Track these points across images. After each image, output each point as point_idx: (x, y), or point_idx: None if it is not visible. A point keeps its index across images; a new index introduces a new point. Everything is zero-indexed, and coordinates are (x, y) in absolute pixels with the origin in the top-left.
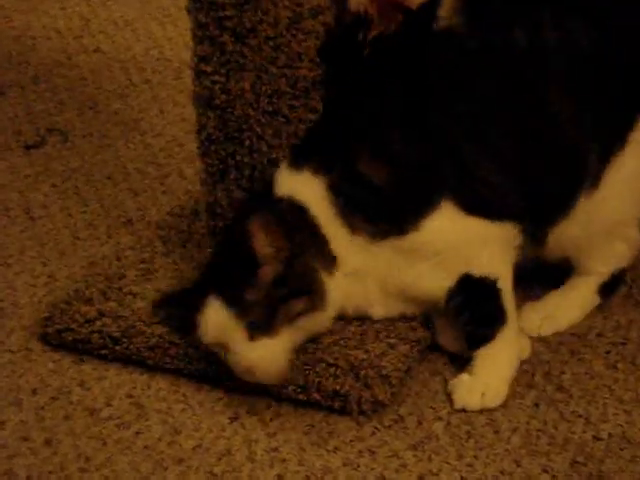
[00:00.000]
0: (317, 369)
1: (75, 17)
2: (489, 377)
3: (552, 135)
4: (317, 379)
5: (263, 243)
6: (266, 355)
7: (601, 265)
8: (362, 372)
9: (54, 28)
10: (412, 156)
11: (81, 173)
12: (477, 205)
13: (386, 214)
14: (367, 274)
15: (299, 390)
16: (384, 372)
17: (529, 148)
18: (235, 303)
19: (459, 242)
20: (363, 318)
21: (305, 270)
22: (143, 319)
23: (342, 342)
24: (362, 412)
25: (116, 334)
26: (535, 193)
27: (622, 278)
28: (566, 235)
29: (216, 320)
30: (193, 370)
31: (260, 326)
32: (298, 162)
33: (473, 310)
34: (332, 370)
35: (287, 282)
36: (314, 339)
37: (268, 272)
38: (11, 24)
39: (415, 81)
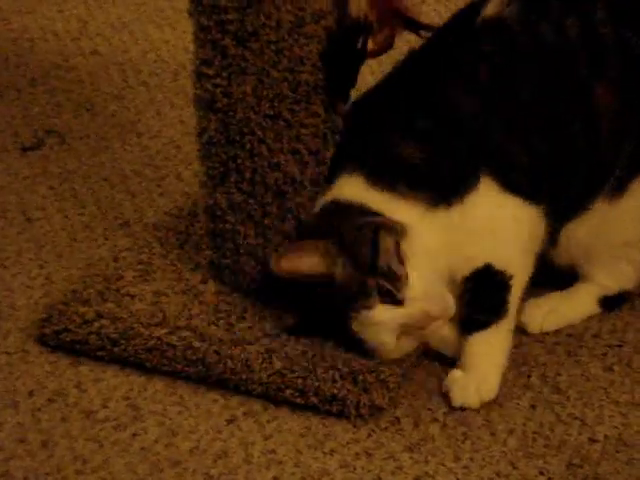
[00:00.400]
0: (315, 373)
1: (73, 19)
2: (481, 368)
3: (587, 127)
4: (315, 383)
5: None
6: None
7: (604, 277)
8: (360, 376)
9: (51, 30)
10: (449, 137)
11: (78, 175)
12: (511, 182)
13: (432, 186)
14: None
15: (297, 394)
16: (382, 376)
17: (561, 136)
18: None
19: (496, 220)
20: None
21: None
22: (141, 321)
23: (340, 346)
24: (360, 416)
25: (114, 335)
26: (558, 182)
27: (626, 299)
28: (576, 238)
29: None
30: (191, 372)
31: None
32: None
33: (480, 296)
34: (330, 374)
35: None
36: (312, 342)
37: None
38: (8, 26)
39: (456, 63)
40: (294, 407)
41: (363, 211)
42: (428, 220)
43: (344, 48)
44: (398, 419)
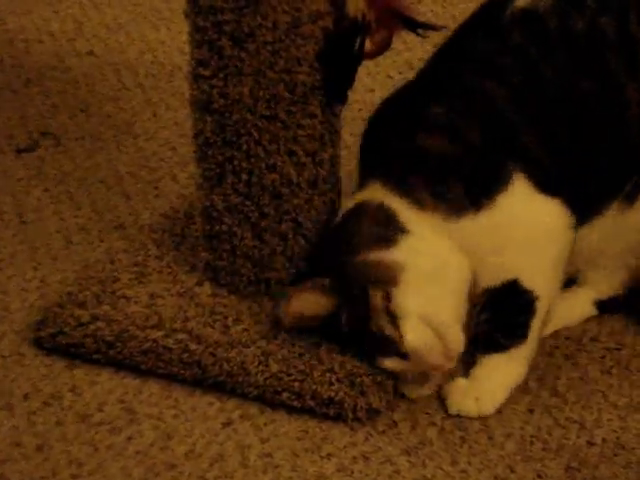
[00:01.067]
0: (312, 376)
1: (68, 20)
2: (487, 383)
3: (616, 128)
4: (312, 386)
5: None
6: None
7: (600, 281)
8: (357, 379)
9: (47, 31)
10: (475, 130)
11: (74, 177)
12: (544, 182)
13: (459, 189)
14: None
15: (293, 397)
16: (379, 379)
17: (590, 136)
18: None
19: (529, 226)
20: None
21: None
22: (137, 323)
23: (337, 348)
24: (357, 419)
25: (109, 338)
26: (584, 184)
27: (620, 301)
28: (586, 244)
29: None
30: (186, 375)
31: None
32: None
33: (502, 316)
34: (327, 377)
35: None
36: (309, 344)
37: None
38: (4, 27)
39: (485, 53)
40: (291, 410)
41: (378, 221)
42: (447, 231)
43: (341, 49)
44: (395, 423)
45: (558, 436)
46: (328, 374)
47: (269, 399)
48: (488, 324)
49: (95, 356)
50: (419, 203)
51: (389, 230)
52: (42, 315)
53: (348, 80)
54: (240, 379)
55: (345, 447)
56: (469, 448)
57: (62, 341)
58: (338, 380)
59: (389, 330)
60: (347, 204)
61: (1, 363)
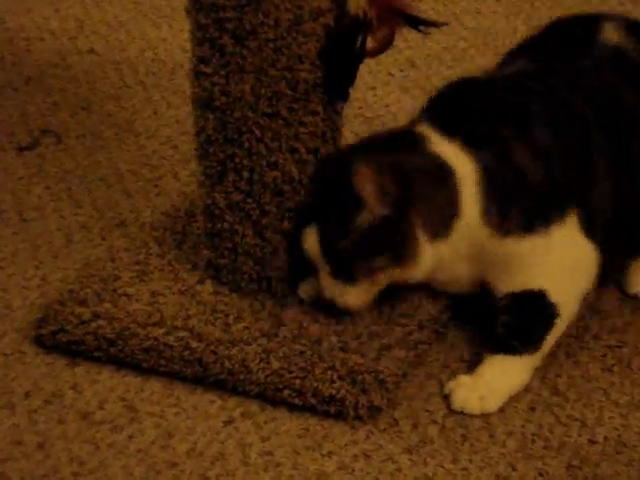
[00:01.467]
0: (314, 373)
1: (69, 18)
2: (494, 382)
3: None
4: (314, 383)
5: (372, 184)
6: (345, 296)
7: None
8: (359, 377)
9: (48, 29)
10: (558, 161)
11: (74, 175)
12: (592, 228)
13: (523, 211)
14: (467, 255)
15: (295, 395)
16: (381, 377)
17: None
18: (326, 242)
19: (572, 258)
20: (360, 319)
21: (407, 229)
22: (138, 321)
23: (339, 345)
24: (358, 417)
25: (111, 336)
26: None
27: None
28: None
29: (311, 248)
30: (188, 373)
31: (342, 272)
32: (446, 127)
33: (522, 322)
34: (329, 374)
35: (381, 235)
36: (311, 342)
37: (365, 219)
38: (4, 25)
39: (575, 88)
40: (292, 408)
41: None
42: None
43: (343, 46)
44: (397, 421)
45: (559, 434)
46: (329, 371)
47: (270, 397)
48: (505, 327)
49: (96, 354)
50: (486, 212)
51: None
52: (43, 313)
53: (350, 78)
54: (241, 377)
55: (346, 445)
56: (470, 446)
57: (63, 339)
58: (339, 377)
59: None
60: (435, 145)
61: (2, 361)
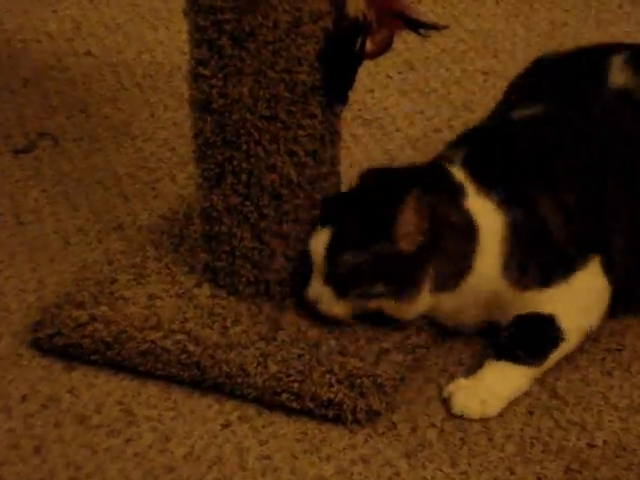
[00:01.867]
0: (311, 377)
1: (66, 20)
2: (495, 387)
3: None
4: (311, 387)
5: (411, 220)
6: (330, 305)
7: None
8: (357, 381)
9: (45, 31)
10: (581, 214)
11: (71, 178)
12: (611, 270)
13: (543, 265)
14: (475, 304)
15: (293, 398)
16: (379, 381)
17: None
18: (334, 249)
19: (590, 295)
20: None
21: (418, 273)
22: (135, 324)
23: (337, 349)
24: (356, 421)
25: (108, 339)
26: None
27: None
28: None
29: (317, 249)
30: (185, 376)
31: (337, 283)
32: (484, 183)
33: (529, 336)
34: (327, 378)
35: (391, 267)
36: (309, 346)
37: (386, 246)
38: (1, 27)
39: (591, 138)
40: (289, 412)
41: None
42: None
43: (342, 49)
44: (395, 425)
45: (558, 438)
46: (327, 375)
47: (268, 400)
48: (511, 338)
49: (93, 357)
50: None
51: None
52: (40, 316)
53: (349, 80)
54: (239, 380)
55: (344, 449)
56: (469, 450)
57: (60, 342)
58: (338, 381)
59: None
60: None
61: None
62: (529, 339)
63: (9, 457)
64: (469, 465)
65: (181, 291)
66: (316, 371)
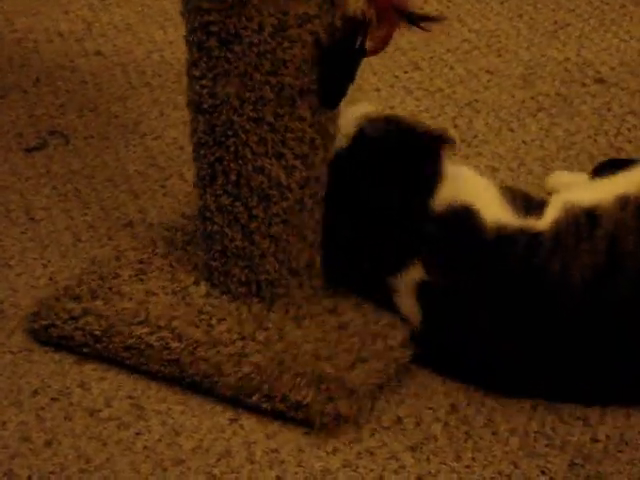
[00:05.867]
0: (282, 379)
1: (78, 20)
2: None
3: None
4: (282, 389)
5: None
6: None
7: None
8: (326, 385)
9: (56, 31)
10: None
11: (82, 175)
12: None
13: None
14: None
15: (264, 399)
16: (350, 386)
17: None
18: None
19: None
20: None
21: None
22: (124, 319)
23: (313, 353)
24: (324, 425)
25: (97, 333)
26: None
27: None
28: None
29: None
30: (166, 372)
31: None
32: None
33: None
34: (297, 381)
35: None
36: (287, 347)
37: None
38: (13, 27)
39: None
40: None
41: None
42: None
43: (343, 46)
44: (400, 418)
45: (562, 432)
46: (298, 378)
47: (242, 400)
48: None
49: (84, 350)
50: None
51: None
52: (37, 307)
53: (349, 77)
54: (215, 379)
55: (350, 443)
56: (473, 444)
57: (54, 334)
58: (307, 385)
59: None
60: None
61: (10, 359)
62: None
63: (21, 450)
64: (473, 459)
65: (178, 288)
66: (287, 373)
